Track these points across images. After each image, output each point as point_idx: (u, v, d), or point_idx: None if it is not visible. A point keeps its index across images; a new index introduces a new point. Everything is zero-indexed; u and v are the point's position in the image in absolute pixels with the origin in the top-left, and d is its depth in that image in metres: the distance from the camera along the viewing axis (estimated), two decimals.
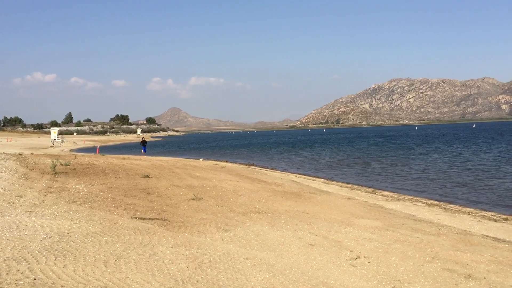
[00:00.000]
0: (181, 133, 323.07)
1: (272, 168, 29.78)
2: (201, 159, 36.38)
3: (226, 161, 35.66)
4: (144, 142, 40.48)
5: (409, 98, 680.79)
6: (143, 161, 27.56)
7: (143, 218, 9.34)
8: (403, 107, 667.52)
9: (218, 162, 32.70)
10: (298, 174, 25.72)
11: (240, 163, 34.16)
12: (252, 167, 30.30)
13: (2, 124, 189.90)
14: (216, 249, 7.09)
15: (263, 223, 9.58)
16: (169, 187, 14.55)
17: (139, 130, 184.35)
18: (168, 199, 12.13)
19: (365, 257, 7.31)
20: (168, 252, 6.67)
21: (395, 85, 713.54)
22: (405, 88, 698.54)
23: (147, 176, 16.95)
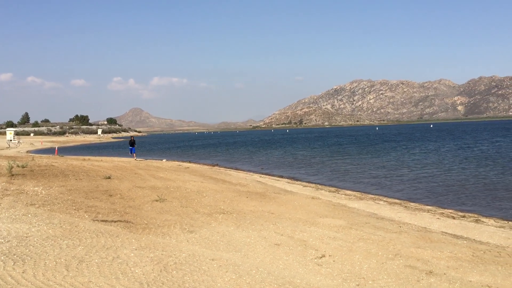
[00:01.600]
0: (143, 134, 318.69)
1: (236, 169, 29.76)
2: (164, 160, 35.97)
3: (190, 162, 35.42)
4: (132, 143, 36.01)
5: (370, 99, 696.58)
6: (104, 162, 27.00)
7: (106, 221, 9.12)
8: (364, 108, 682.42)
9: (181, 163, 32.43)
10: (263, 174, 25.80)
11: (204, 164, 33.99)
12: (216, 167, 30.21)
13: None
14: (182, 250, 7.01)
15: (229, 224, 9.55)
16: (132, 189, 14.31)
17: (99, 131, 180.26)
18: (131, 201, 11.91)
19: (330, 255, 7.39)
20: (132, 254, 6.54)
21: (356, 86, 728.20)
22: (365, 89, 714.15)
23: (109, 178, 16.61)
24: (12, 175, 15.60)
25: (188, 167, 27.31)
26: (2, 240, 6.85)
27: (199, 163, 34.65)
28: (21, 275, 5.33)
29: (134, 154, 35.37)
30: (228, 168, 30.27)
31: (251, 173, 26.14)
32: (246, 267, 6.40)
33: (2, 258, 5.94)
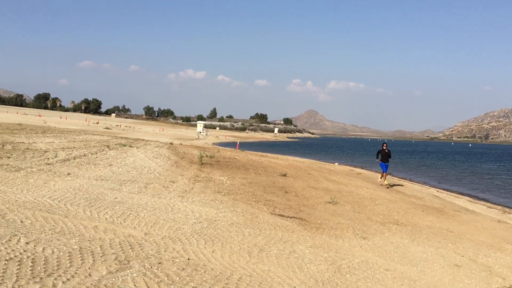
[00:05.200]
0: (316, 136, 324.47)
1: (410, 180, 28.40)
2: (336, 164, 36.14)
3: (362, 168, 34.94)
4: (386, 157, 20.85)
5: None
6: (280, 160, 28.29)
7: (282, 215, 9.59)
8: None
9: (353, 168, 32.22)
10: (439, 189, 24.15)
11: (376, 172, 33.19)
12: (389, 176, 29.26)
13: (156, 115, 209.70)
14: (355, 255, 7.00)
15: (403, 236, 9.20)
16: (306, 188, 14.73)
17: (276, 130, 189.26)
18: (305, 200, 12.29)
19: None
20: (307, 251, 6.77)
21: None
22: None
23: (285, 175, 17.36)
24: (202, 163, 17.38)
25: (360, 173, 27.01)
26: (195, 221, 7.71)
27: (371, 170, 33.97)
28: (211, 254, 5.94)
29: (385, 174, 20.55)
30: (401, 178, 29.06)
31: (426, 186, 24.69)
32: (423, 284, 6.11)
33: (195, 236, 6.69)
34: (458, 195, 21.78)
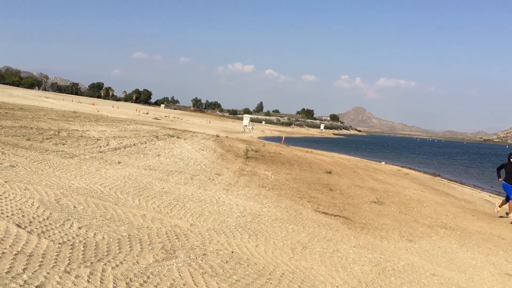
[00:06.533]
0: (363, 133, 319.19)
1: (461, 183, 27.45)
2: (383, 163, 35.48)
3: (409, 168, 34.10)
4: None
5: None
6: (325, 156, 28.06)
7: (326, 213, 9.51)
8: None
9: (401, 168, 31.51)
10: (492, 193, 23.22)
11: (425, 172, 32.29)
12: (438, 178, 28.41)
13: (203, 107, 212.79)
14: (400, 258, 6.85)
15: (451, 240, 8.92)
16: (351, 186, 14.54)
17: (322, 126, 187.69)
18: (350, 198, 12.14)
19: None
20: (351, 251, 6.69)
21: None
22: None
23: (330, 172, 17.20)
24: (248, 157, 17.50)
25: (407, 173, 26.38)
26: (240, 214, 7.78)
27: (419, 171, 33.08)
28: (254, 248, 5.97)
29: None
30: (451, 180, 28.13)
31: (478, 190, 23.80)
32: None
33: (239, 230, 6.75)
34: None
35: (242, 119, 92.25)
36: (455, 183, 26.58)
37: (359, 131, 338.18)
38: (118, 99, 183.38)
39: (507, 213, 13.34)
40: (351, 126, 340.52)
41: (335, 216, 9.38)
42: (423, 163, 46.92)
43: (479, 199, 18.63)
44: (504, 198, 13.63)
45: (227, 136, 34.99)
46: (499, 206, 13.80)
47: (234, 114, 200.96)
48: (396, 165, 35.36)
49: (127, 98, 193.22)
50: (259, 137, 57.68)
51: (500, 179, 13.32)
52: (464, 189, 22.69)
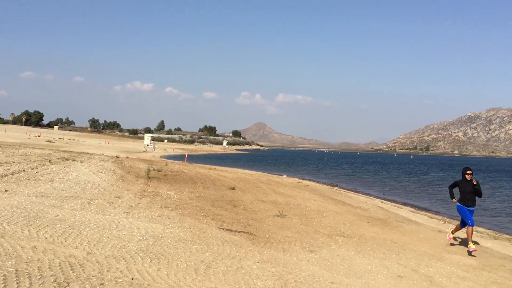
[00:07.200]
0: (265, 148, 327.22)
1: (356, 191, 29.12)
2: (284, 176, 36.51)
3: (310, 180, 35.48)
4: (473, 195, 10.87)
5: (509, 129, 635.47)
6: (228, 173, 28.23)
7: (230, 230, 9.53)
8: (501, 139, 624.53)
9: (301, 180, 32.65)
10: (384, 200, 24.89)
11: (324, 183, 33.79)
12: (335, 188, 29.85)
13: (101, 127, 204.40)
14: (302, 269, 7.04)
15: (349, 248, 9.37)
16: (254, 201, 14.74)
17: (225, 142, 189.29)
18: (253, 213, 12.29)
19: None
20: (254, 267, 6.74)
21: (493, 114, 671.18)
22: (505, 119, 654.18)
23: (233, 188, 17.32)
24: (149, 177, 17.04)
25: (307, 185, 27.39)
26: (141, 238, 7.51)
27: (318, 182, 34.55)
28: (156, 272, 5.79)
29: (470, 230, 10.68)
30: (347, 189, 29.74)
31: (372, 198, 25.39)
32: None
33: (141, 254, 6.51)
34: (401, 206, 22.53)
35: (143, 138, 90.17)
36: (351, 192, 28.12)
37: (261, 146, 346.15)
38: (5, 122, 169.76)
39: (455, 238, 11.99)
40: (253, 141, 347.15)
41: (239, 232, 9.43)
42: (322, 174, 49.12)
43: (372, 206, 19.85)
44: (458, 223, 11.54)
45: (127, 157, 33.88)
46: (451, 232, 11.64)
47: (135, 133, 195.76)
48: (297, 178, 36.62)
49: (16, 121, 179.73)
50: (161, 156, 56.61)
51: (453, 200, 11.11)
52: (359, 197, 24.05)
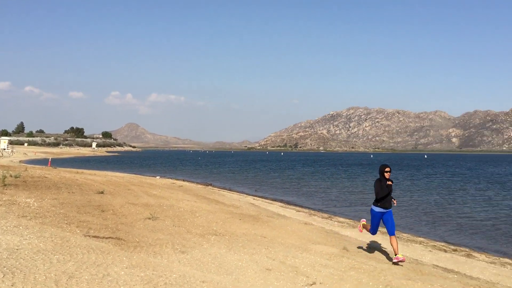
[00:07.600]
0: (138, 149, 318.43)
1: (230, 189, 29.70)
2: (158, 177, 35.87)
3: (183, 180, 35.32)
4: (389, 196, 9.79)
5: (366, 126, 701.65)
6: (97, 176, 26.90)
7: (97, 237, 9.06)
8: (359, 135, 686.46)
9: (175, 181, 32.36)
10: (256, 196, 25.75)
11: (198, 183, 33.89)
12: (209, 187, 30.13)
13: None
14: (172, 271, 6.96)
15: (221, 246, 9.51)
16: (125, 205, 14.24)
17: (94, 144, 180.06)
18: (123, 218, 11.85)
19: (320, 283, 7.36)
20: (122, 273, 6.49)
21: (352, 113, 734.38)
22: (362, 117, 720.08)
23: (102, 193, 16.54)
24: (5, 185, 15.51)
25: (181, 186, 27.24)
26: None
27: (192, 182, 34.56)
28: None
29: (394, 239, 9.95)
30: (221, 188, 30.20)
31: (244, 195, 26.09)
32: None
33: None
34: (271, 201, 23.51)
35: None
36: (224, 190, 28.61)
37: (134, 147, 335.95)
38: None
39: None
40: (125, 143, 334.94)
41: (107, 238, 9.01)
42: (196, 174, 49.20)
43: (245, 203, 20.41)
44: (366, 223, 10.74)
45: None
46: (361, 225, 10.79)
47: None
48: (170, 178, 36.20)
49: None
50: (21, 161, 52.01)
51: (377, 206, 9.86)
52: (232, 195, 24.57)
